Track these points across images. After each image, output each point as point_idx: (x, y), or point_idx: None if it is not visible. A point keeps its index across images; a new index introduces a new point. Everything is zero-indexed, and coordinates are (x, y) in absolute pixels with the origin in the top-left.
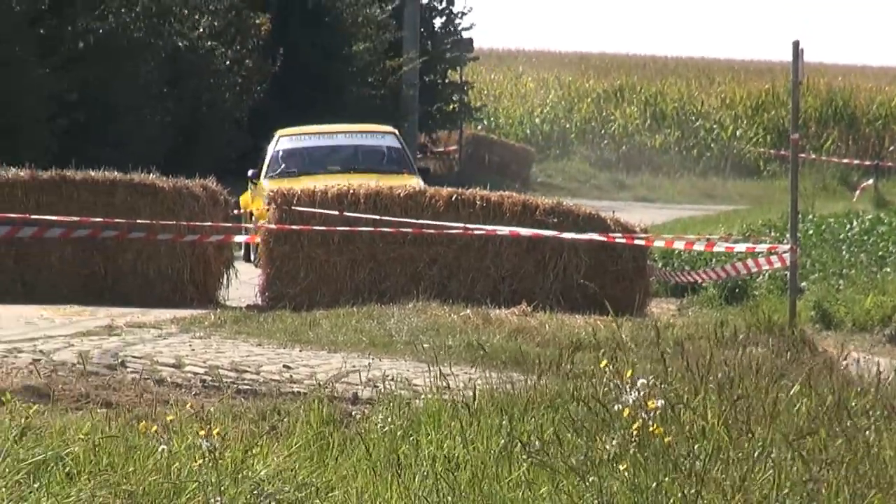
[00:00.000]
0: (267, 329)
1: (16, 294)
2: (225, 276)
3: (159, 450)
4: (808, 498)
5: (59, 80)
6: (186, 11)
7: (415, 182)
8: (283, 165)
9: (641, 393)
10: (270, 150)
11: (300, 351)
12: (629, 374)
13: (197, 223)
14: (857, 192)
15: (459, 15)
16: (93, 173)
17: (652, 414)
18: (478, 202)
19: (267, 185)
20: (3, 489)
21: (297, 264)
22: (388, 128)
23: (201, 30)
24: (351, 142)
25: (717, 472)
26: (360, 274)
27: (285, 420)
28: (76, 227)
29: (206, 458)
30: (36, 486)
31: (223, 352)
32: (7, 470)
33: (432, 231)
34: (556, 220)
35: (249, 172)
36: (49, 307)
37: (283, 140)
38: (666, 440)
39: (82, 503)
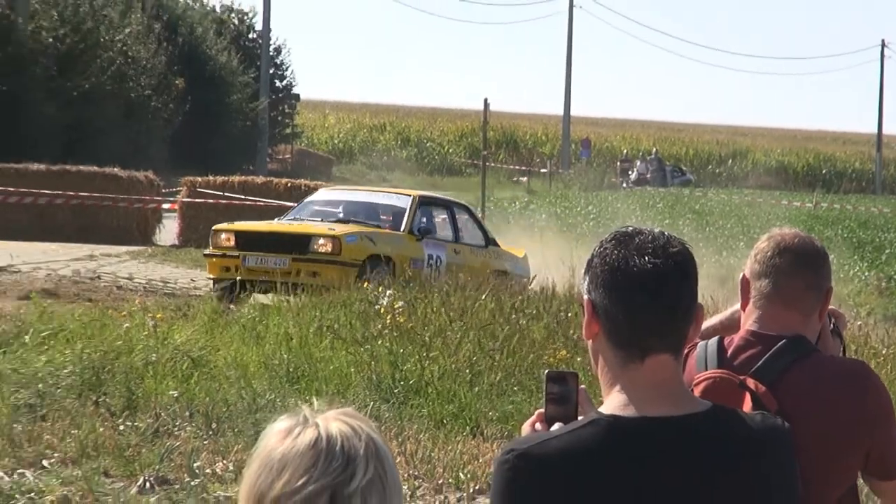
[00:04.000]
0: (181, 258)
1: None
2: (156, 228)
3: (123, 327)
4: (490, 360)
5: (65, 115)
6: (133, 73)
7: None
8: (302, 212)
9: (390, 299)
10: (305, 200)
11: (200, 271)
12: (381, 288)
13: (141, 197)
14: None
15: (292, 79)
16: (83, 167)
17: (397, 310)
18: (303, 188)
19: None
20: (33, 346)
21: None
22: (411, 191)
23: (143, 85)
24: (370, 199)
25: (439, 344)
26: None
27: (192, 310)
28: (75, 197)
29: (149, 332)
30: (52, 343)
31: (156, 271)
32: (34, 336)
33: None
34: None
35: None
36: (56, 244)
37: (322, 192)
38: (407, 326)
39: (76, 355)
